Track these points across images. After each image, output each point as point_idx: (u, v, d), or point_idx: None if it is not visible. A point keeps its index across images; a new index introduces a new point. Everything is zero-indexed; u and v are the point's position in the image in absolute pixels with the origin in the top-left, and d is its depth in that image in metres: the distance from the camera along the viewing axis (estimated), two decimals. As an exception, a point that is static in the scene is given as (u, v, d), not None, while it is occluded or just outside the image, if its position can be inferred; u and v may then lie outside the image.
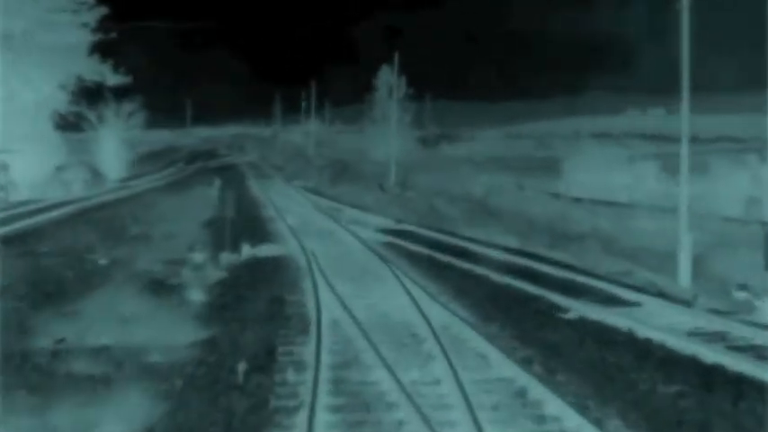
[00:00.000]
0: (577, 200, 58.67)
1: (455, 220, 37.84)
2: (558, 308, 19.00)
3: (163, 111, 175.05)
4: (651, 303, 19.44)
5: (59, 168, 55.42)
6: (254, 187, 54.05)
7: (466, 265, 24.66)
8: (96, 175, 62.46)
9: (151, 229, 35.03)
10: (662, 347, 15.42)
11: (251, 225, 34.72)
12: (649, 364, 14.33)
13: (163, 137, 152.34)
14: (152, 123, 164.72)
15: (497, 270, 23.19)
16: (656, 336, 16.07)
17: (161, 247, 29.59)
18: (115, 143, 65.51)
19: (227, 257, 25.98)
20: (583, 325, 17.52)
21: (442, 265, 25.34)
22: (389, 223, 35.17)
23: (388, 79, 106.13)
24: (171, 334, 16.43)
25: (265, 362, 14.47)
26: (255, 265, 25.35)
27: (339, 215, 38.09)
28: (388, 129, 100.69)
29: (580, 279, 22.52)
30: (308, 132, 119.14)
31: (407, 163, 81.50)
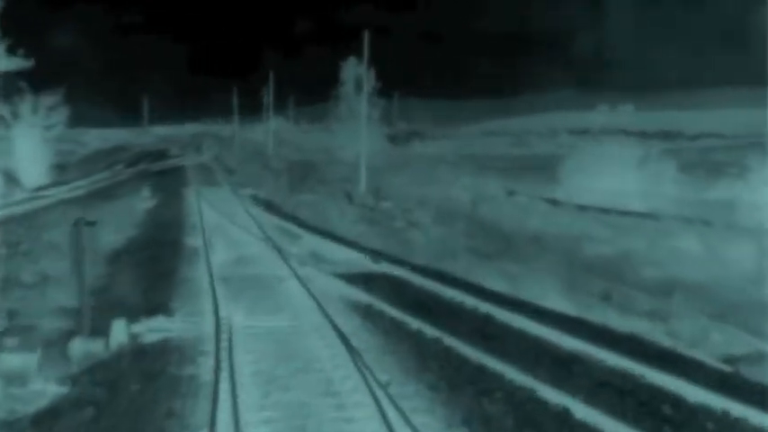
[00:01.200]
0: (582, 208, 47.69)
1: (453, 252, 26.66)
2: None
3: (120, 108, 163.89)
4: None
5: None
6: (192, 199, 42.44)
7: (516, 376, 12.58)
8: (10, 181, 50.76)
9: (19, 269, 23.68)
10: None
11: (157, 269, 23.03)
12: None
13: (117, 135, 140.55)
14: (107, 122, 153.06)
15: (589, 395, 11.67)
16: None
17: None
18: (33, 144, 53.67)
19: (82, 348, 14.52)
20: None
21: (470, 371, 13.12)
22: (362, 261, 23.65)
23: (355, 72, 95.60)
24: None
25: None
26: (126, 372, 13.65)
27: (291, 245, 26.56)
28: (355, 126, 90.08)
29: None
30: (268, 131, 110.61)
31: (378, 164, 70.88)
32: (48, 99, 53.62)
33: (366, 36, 50.35)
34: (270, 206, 40.68)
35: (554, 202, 50.71)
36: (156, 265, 23.32)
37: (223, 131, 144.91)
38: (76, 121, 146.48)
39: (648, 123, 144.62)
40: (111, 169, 66.99)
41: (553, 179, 56.54)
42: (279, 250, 24.27)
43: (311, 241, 27.21)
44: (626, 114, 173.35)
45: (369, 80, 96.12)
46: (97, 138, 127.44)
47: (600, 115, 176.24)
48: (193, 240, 27.55)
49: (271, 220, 33.50)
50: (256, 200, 43.94)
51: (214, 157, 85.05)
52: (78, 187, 49.79)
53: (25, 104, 52.93)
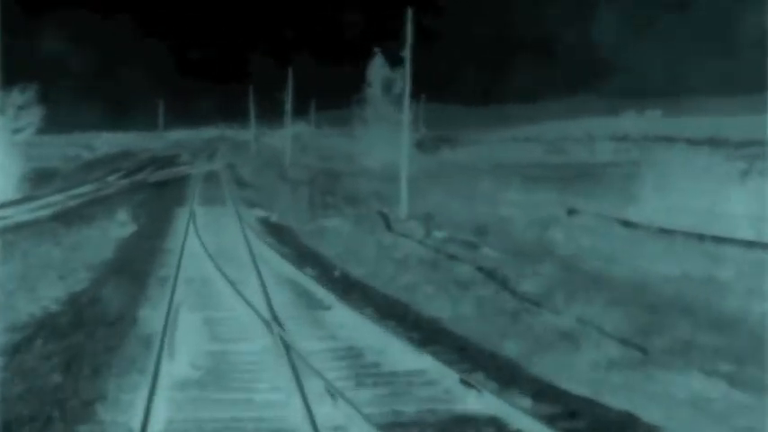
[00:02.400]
0: (666, 232, 36.67)
1: (574, 337, 15.49)
2: None
3: (136, 112, 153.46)
4: None
5: None
6: (182, 225, 31.42)
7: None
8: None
9: None
10: None
11: (63, 391, 11.94)
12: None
13: (129, 140, 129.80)
14: (121, 125, 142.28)
15: None
16: None
17: None
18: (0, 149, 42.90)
19: None
20: None
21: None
22: (445, 379, 12.20)
23: (383, 73, 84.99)
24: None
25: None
26: None
27: (312, 327, 15.48)
28: (381, 131, 79.47)
29: None
30: (287, 136, 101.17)
31: (409, 173, 60.68)
32: (17, 97, 42.81)
33: (409, 24, 39.05)
34: (283, 237, 29.64)
35: (627, 224, 39.67)
36: (66, 380, 12.35)
37: (240, 136, 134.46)
38: (88, 124, 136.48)
39: (687, 130, 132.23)
40: (105, 179, 56.18)
41: (613, 193, 45.52)
42: (291, 351, 13.09)
43: (345, 320, 16.11)
44: (655, 120, 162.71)
45: (401, 81, 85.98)
46: (108, 142, 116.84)
47: (628, 121, 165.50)
48: (150, 319, 16.43)
49: (282, 268, 22.42)
50: (266, 226, 32.92)
51: (226, 164, 74.12)
52: (49, 205, 38.94)
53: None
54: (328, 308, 17.27)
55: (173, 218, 34.49)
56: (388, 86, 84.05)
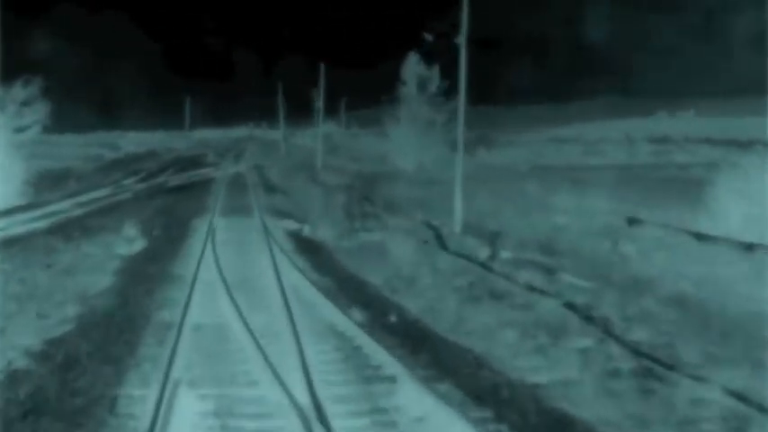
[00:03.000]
0: (749, 247, 31.22)
1: None
2: None
3: (163, 111, 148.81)
4: None
5: None
6: (199, 243, 26.25)
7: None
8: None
9: None
10: None
11: None
12: None
13: (155, 139, 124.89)
14: (149, 125, 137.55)
15: None
16: None
17: None
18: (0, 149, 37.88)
19: None
20: None
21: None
22: None
23: (417, 71, 79.86)
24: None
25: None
26: None
27: (375, 420, 10.40)
28: (415, 131, 74.42)
29: None
30: (318, 136, 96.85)
31: (444, 177, 55.57)
32: (19, 92, 37.76)
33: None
34: (319, 259, 24.41)
35: (701, 237, 34.19)
36: None
37: (269, 136, 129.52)
38: (113, 123, 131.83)
39: (729, 131, 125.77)
40: (121, 183, 51.22)
41: (675, 199, 40.14)
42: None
43: (418, 406, 10.84)
44: (688, 120, 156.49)
45: (432, 80, 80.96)
46: (133, 141, 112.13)
47: (661, 122, 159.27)
48: (134, 403, 11.21)
49: (321, 309, 17.16)
50: (298, 243, 27.69)
51: (254, 166, 69.03)
52: (50, 214, 33.89)
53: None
54: (392, 380, 12.00)
55: (189, 232, 29.32)
56: (423, 85, 79.00)
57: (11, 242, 26.64)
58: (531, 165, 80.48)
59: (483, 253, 25.86)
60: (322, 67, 61.95)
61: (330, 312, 16.23)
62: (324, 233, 29.85)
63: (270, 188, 48.89)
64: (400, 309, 18.07)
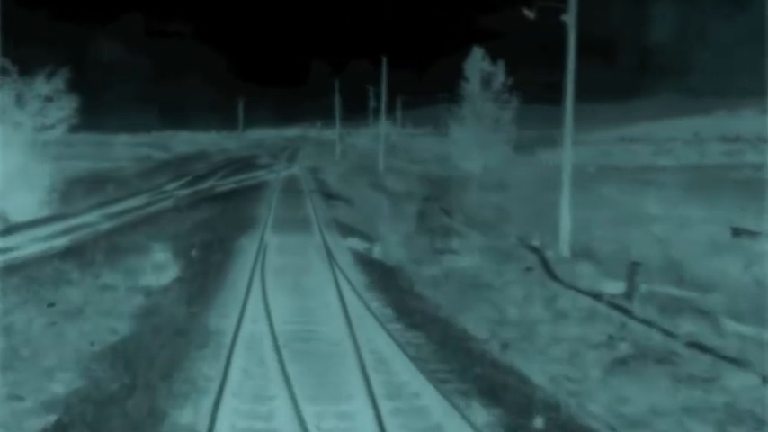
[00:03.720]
0: None
1: None
2: None
3: (215, 109, 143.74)
4: None
5: None
6: (245, 270, 20.59)
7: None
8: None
9: None
10: None
11: None
12: None
13: (208, 140, 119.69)
14: (203, 125, 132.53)
15: None
16: None
17: None
18: (19, 153, 32.51)
19: None
20: None
21: None
22: None
23: (481, 67, 73.73)
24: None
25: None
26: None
27: None
28: (480, 130, 68.48)
29: None
30: (378, 136, 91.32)
31: (519, 179, 50.69)
32: (42, 86, 32.39)
33: None
34: (401, 298, 18.53)
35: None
36: None
37: (323, 136, 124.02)
38: (166, 124, 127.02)
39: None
40: (163, 188, 45.87)
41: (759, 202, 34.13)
42: None
43: None
44: (750, 119, 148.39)
45: (497, 75, 74.96)
46: (185, 142, 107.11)
47: (726, 120, 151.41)
48: None
49: (418, 395, 11.36)
50: (369, 270, 21.83)
51: (309, 168, 63.45)
52: (71, 230, 28.42)
53: (5, 92, 31.88)
54: None
55: (234, 256, 23.63)
56: (486, 82, 72.96)
57: (13, 269, 21.18)
58: (600, 165, 74.42)
59: (608, 285, 19.93)
60: (384, 61, 56.07)
61: (438, 408, 10.38)
62: (398, 255, 24.08)
63: (328, 195, 43.12)
64: (522, 381, 12.27)
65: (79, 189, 38.96)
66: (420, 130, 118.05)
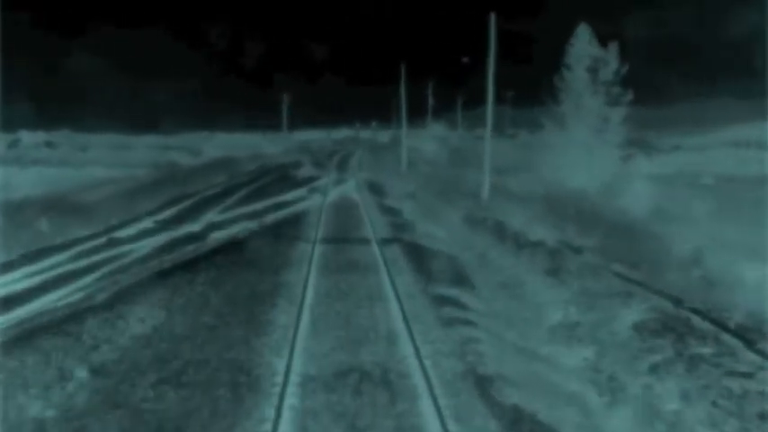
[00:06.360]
0: None
1: None
2: None
3: (259, 108, 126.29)
4: None
5: None
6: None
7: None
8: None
9: None
10: None
11: None
12: None
13: (247, 141, 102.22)
14: (247, 125, 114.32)
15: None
16: None
17: None
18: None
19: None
20: None
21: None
22: None
23: (590, 52, 57.13)
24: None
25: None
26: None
27: None
28: (587, 133, 52.33)
29: None
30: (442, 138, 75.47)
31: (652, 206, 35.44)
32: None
33: None
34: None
35: None
36: None
37: (378, 138, 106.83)
38: (198, 124, 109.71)
39: None
40: (116, 234, 27.81)
41: None
42: None
43: None
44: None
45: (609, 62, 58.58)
46: (221, 144, 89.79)
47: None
48: None
49: None
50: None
51: (369, 186, 45.43)
52: None
53: None
54: None
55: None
56: (594, 71, 55.34)
57: None
58: (715, 175, 55.61)
59: None
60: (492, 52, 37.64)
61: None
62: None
63: (401, 225, 24.95)
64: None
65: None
66: (472, 132, 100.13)
